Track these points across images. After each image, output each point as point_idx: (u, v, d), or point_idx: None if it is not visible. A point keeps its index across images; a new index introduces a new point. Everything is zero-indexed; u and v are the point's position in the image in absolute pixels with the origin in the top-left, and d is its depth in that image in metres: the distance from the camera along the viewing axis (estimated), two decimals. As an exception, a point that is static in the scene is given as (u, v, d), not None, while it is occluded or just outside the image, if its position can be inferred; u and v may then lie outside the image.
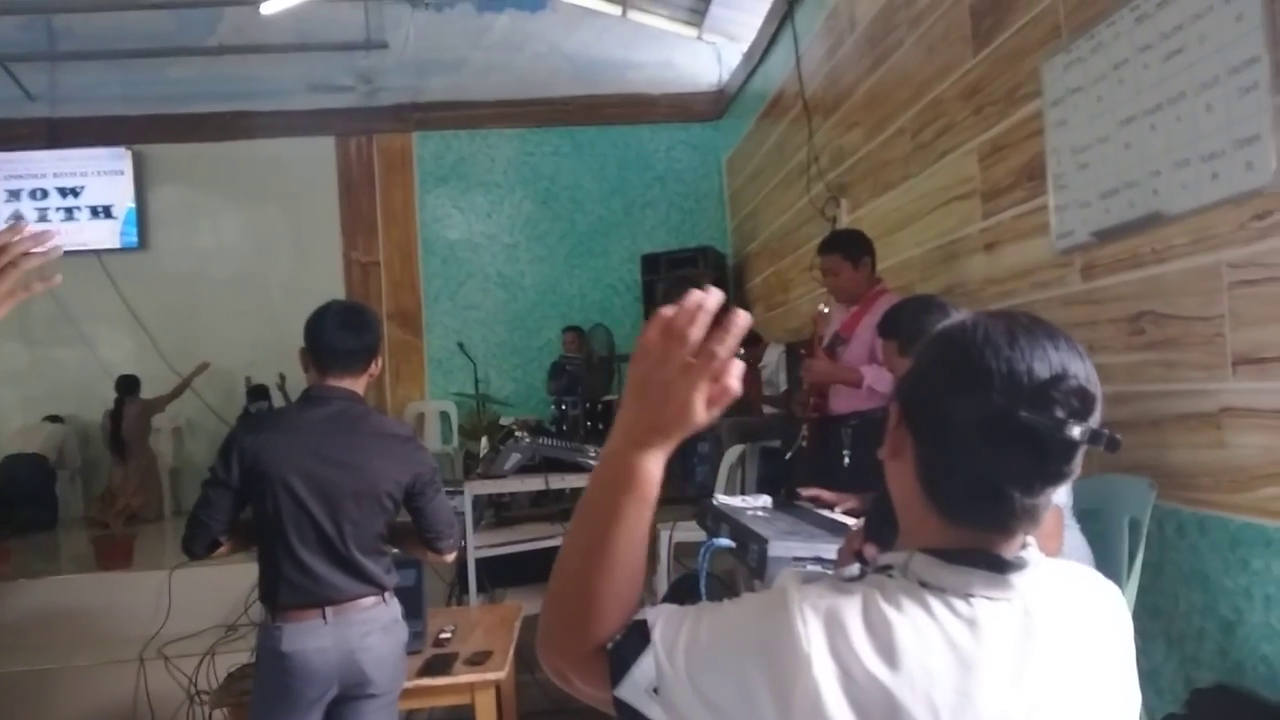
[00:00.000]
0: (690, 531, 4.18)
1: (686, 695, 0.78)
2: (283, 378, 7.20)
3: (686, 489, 5.39)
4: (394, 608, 2.17)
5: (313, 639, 2.03)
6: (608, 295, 7.78)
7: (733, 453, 4.30)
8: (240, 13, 7.10)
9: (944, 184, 3.51)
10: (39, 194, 7.40)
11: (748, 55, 6.82)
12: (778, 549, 1.70)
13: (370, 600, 2.11)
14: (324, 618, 2.05)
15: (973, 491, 0.77)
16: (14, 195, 7.35)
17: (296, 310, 7.91)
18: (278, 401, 7.25)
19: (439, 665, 2.42)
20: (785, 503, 2.34)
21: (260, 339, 7.46)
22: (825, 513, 2.21)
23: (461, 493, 5.20)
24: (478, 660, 2.46)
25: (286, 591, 2.05)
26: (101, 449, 7.00)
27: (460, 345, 7.41)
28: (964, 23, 3.30)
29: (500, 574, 3.48)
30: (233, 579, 4.30)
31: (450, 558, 2.27)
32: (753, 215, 6.97)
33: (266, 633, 2.07)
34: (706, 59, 7.74)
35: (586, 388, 5.46)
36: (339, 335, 2.19)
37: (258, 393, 7.15)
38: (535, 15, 7.75)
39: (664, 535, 4.05)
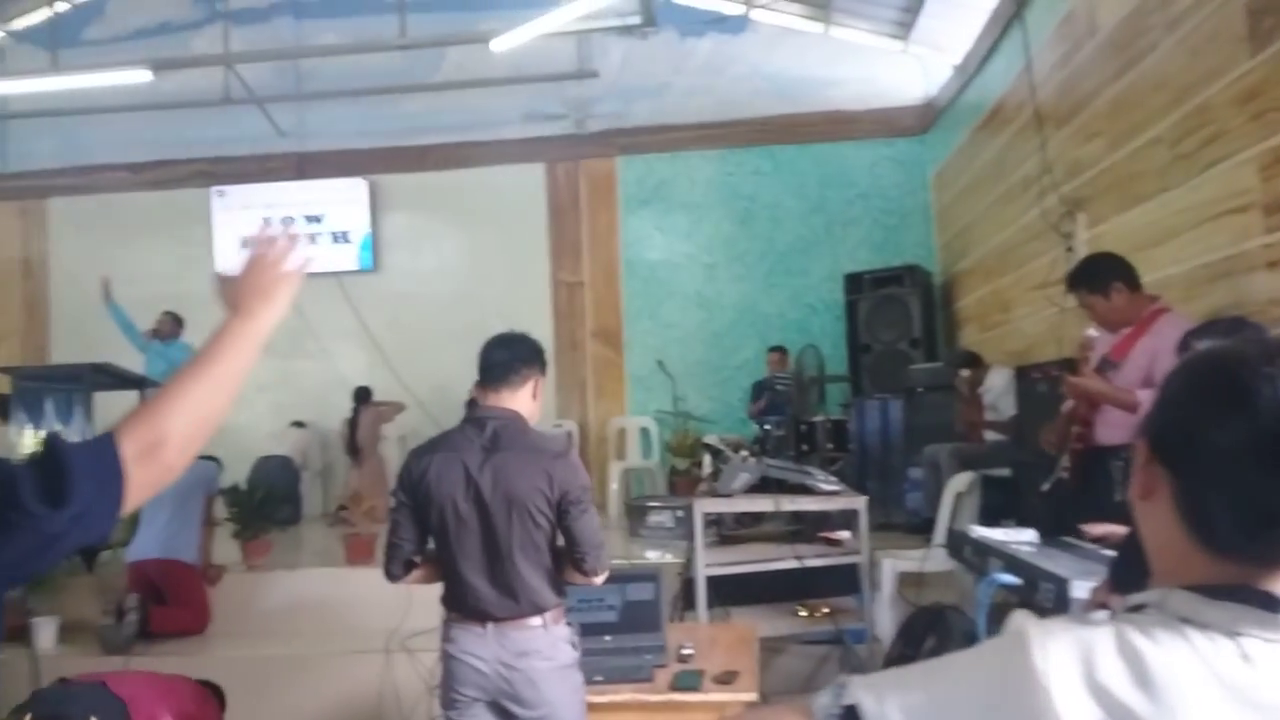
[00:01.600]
0: (911, 561, 4.07)
1: None
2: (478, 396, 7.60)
3: (895, 516, 5.23)
4: (559, 631, 2.20)
5: (473, 645, 2.15)
6: (807, 315, 7.70)
7: (960, 480, 4.12)
8: (463, 50, 7.61)
9: (1212, 196, 3.23)
10: (287, 221, 8.21)
11: (961, 67, 6.59)
12: (1080, 589, 1.61)
13: (533, 620, 2.16)
14: (485, 629, 2.15)
15: (1244, 523, 0.73)
16: (267, 222, 8.18)
17: (507, 328, 8.35)
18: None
19: (688, 681, 2.46)
20: (1055, 538, 2.22)
21: (475, 354, 7.92)
22: (1105, 551, 2.08)
23: (675, 509, 5.33)
24: (726, 680, 2.48)
25: (453, 601, 2.20)
26: (338, 453, 7.64)
27: (660, 363, 7.56)
28: (1238, 23, 3.04)
29: (722, 591, 3.50)
30: (464, 581, 4.58)
31: (599, 580, 2.24)
32: (965, 232, 6.70)
33: (447, 627, 2.23)
34: (911, 72, 7.54)
35: (795, 407, 5.42)
36: (493, 351, 2.34)
37: (474, 406, 7.57)
38: (737, 37, 7.83)
39: (885, 564, 3.95)
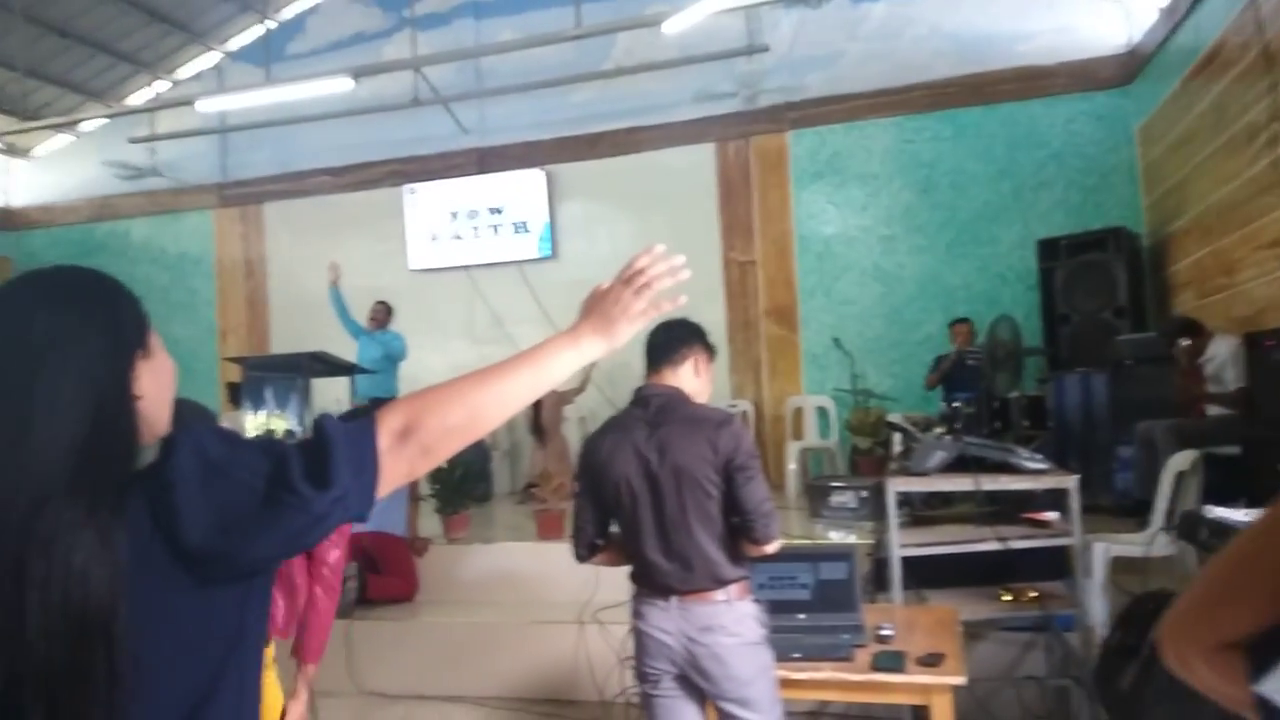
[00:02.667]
0: (1126, 545, 3.79)
1: None
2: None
3: (1100, 497, 4.88)
4: (744, 607, 2.20)
5: (659, 619, 2.18)
6: (996, 285, 7.30)
7: (1180, 459, 3.79)
8: (632, 36, 7.71)
9: None
10: (472, 214, 8.63)
11: (1169, 9, 6.00)
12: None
13: (717, 595, 2.17)
14: (669, 603, 2.18)
15: None
16: (454, 216, 8.65)
17: (680, 310, 8.42)
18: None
19: (890, 662, 2.41)
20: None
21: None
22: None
23: (859, 489, 5.21)
24: (931, 662, 2.41)
25: (638, 576, 2.25)
26: (524, 434, 7.99)
27: (836, 340, 7.40)
28: None
29: (916, 574, 3.39)
30: (651, 557, 4.69)
31: (770, 549, 2.21)
32: (1177, 189, 6.12)
33: (635, 601, 2.28)
34: (1112, 19, 6.95)
35: (988, 383, 5.14)
36: (654, 334, 2.36)
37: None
38: (914, -2, 7.49)
39: (1096, 547, 3.70)
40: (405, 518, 5.06)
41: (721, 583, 2.17)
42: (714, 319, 7.99)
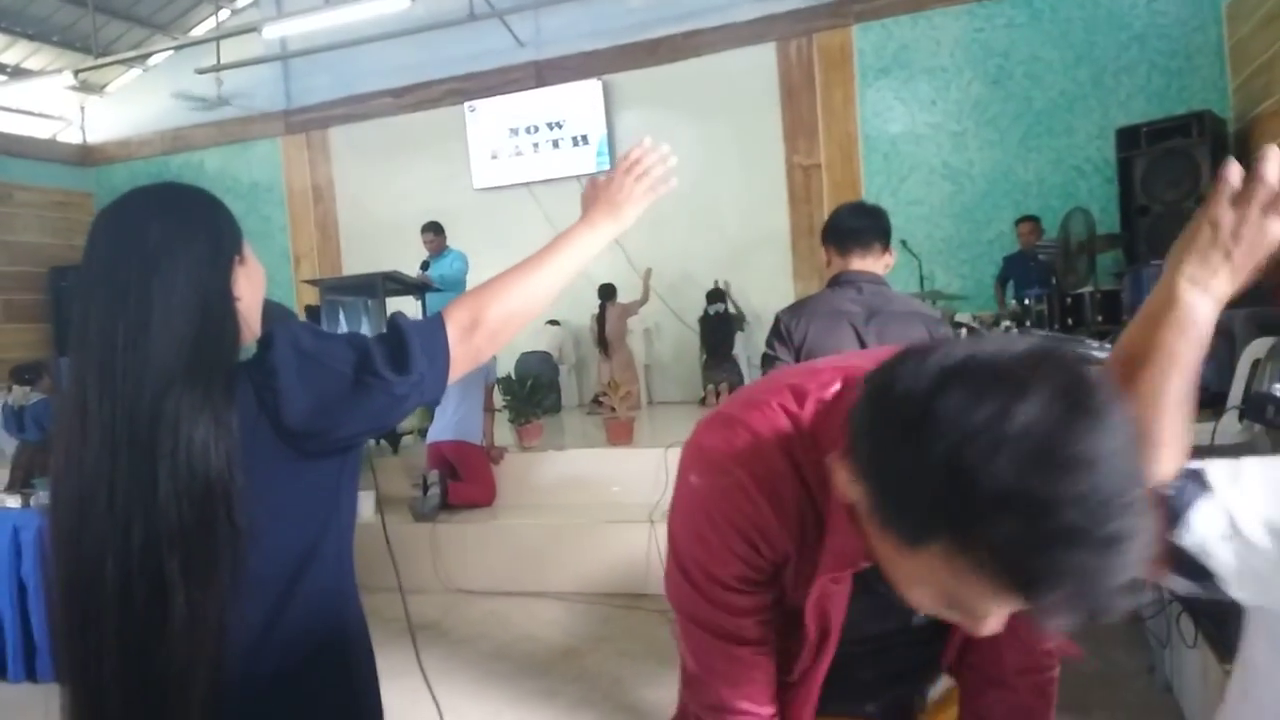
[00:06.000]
0: (1197, 434, 3.73)
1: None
2: (725, 285, 7.71)
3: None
4: None
5: None
6: (1071, 178, 7.04)
7: (1258, 346, 3.69)
8: (687, -66, 7.47)
9: None
10: (531, 129, 8.62)
11: None
12: None
13: None
14: None
15: None
16: (513, 132, 8.65)
17: (743, 217, 8.35)
18: (736, 305, 7.80)
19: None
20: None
21: (712, 246, 8.04)
22: None
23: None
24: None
25: None
26: (590, 347, 8.14)
27: (903, 243, 7.25)
28: None
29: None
30: (718, 459, 4.80)
31: None
32: (1267, 68, 5.76)
33: None
34: (1201, -118, 6.46)
35: (1060, 278, 5.02)
36: (850, 217, 2.39)
37: (715, 296, 7.74)
38: (986, -128, 7.06)
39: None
40: (482, 428, 5.26)
41: None
42: (777, 225, 7.92)
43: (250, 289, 1.13)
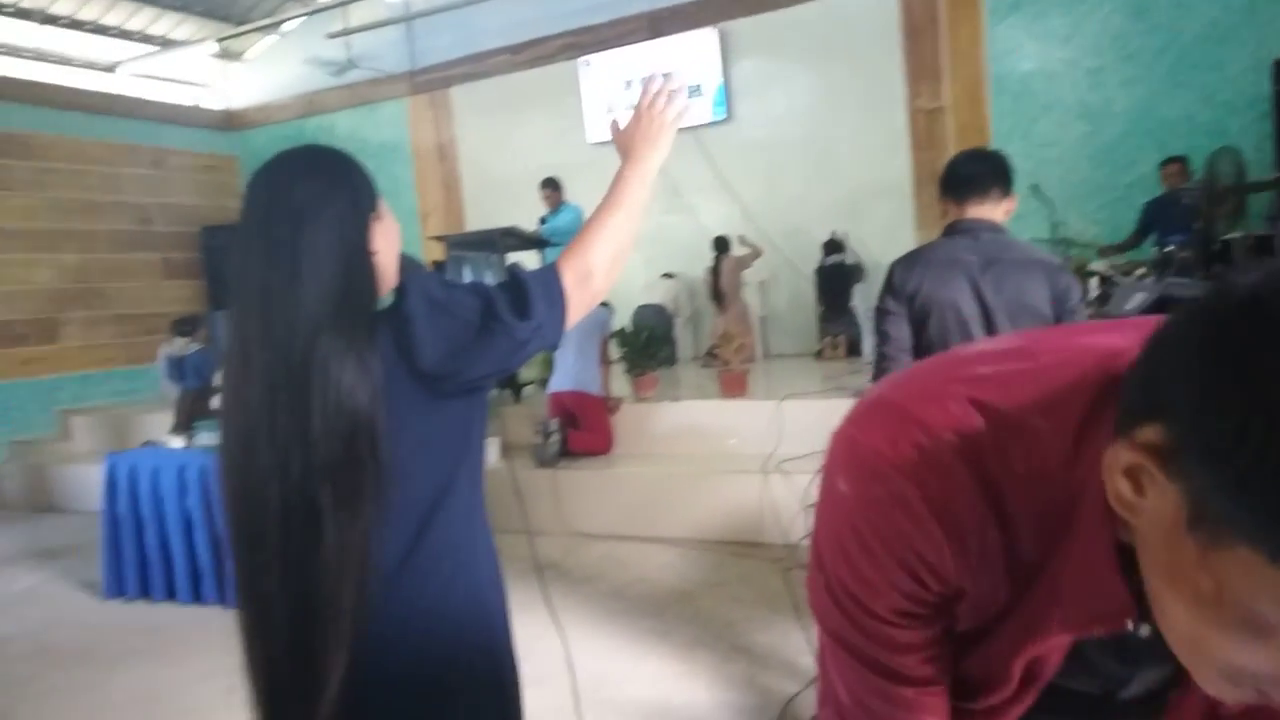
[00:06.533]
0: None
1: None
2: (842, 235, 7.56)
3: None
4: None
5: None
6: (1221, 116, 6.53)
7: None
8: None
9: None
10: (658, 77, 8.60)
11: None
12: None
13: None
14: None
15: None
16: (628, 84, 8.67)
17: (863, 165, 8.14)
18: (852, 256, 7.65)
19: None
20: None
21: (829, 195, 7.89)
22: None
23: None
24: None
25: None
26: (705, 300, 8.17)
27: (1034, 187, 6.93)
28: None
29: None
30: (834, 411, 4.77)
31: None
32: None
33: None
34: None
35: (1206, 222, 4.71)
36: (966, 164, 2.32)
37: (832, 246, 7.62)
38: None
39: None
40: (599, 379, 5.41)
41: None
42: (898, 173, 7.69)
43: (386, 243, 1.23)
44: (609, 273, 1.28)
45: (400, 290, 1.19)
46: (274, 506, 1.10)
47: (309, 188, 1.15)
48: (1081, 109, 7.02)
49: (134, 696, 3.38)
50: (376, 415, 1.11)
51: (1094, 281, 4.63)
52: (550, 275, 1.22)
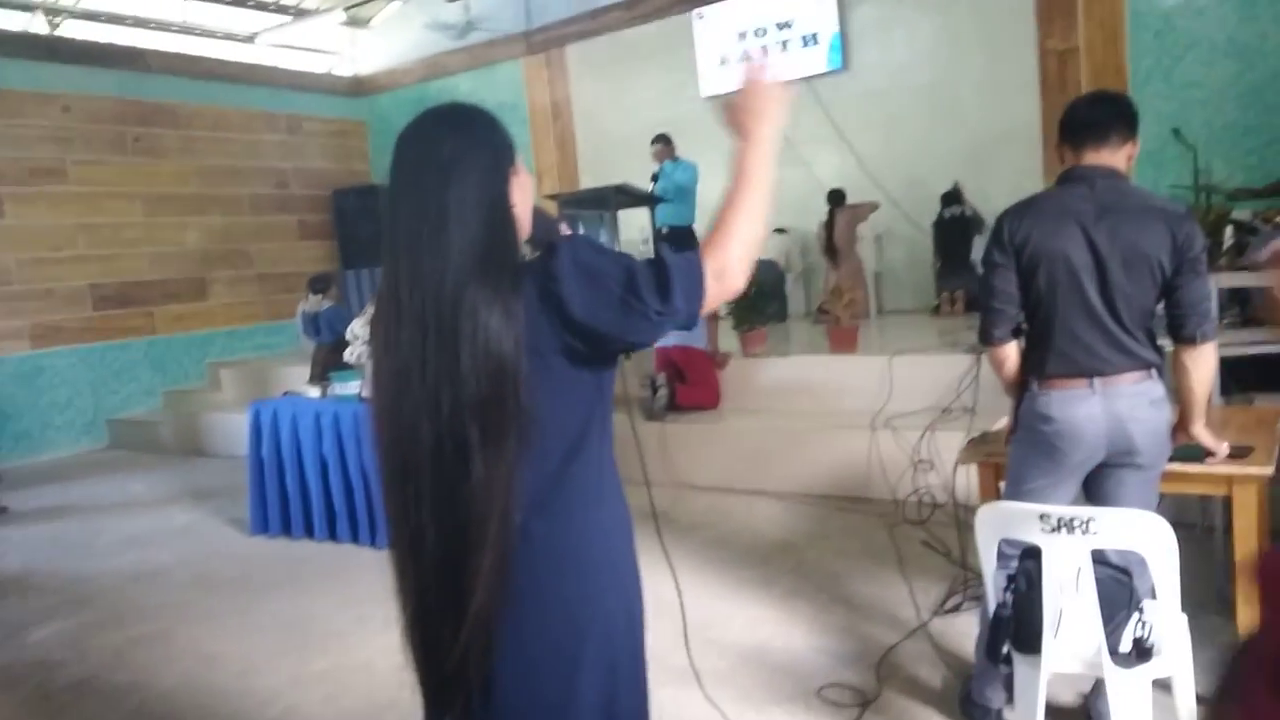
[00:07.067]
0: None
1: None
2: (961, 186, 7.27)
3: None
4: (1159, 385, 2.14)
5: (1082, 406, 2.12)
6: (1399, 46, 5.93)
7: None
8: None
9: None
10: (760, 32, 8.47)
11: None
12: None
13: (1137, 375, 2.12)
14: (1091, 387, 2.12)
15: None
16: (741, 36, 8.55)
17: (987, 112, 7.79)
18: (971, 207, 7.37)
19: (1189, 453, 2.33)
20: None
21: (952, 144, 7.60)
22: None
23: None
24: (1239, 453, 2.30)
25: (1054, 362, 2.15)
26: (817, 255, 8.05)
27: (1176, 132, 6.48)
28: None
29: (1247, 376, 3.12)
30: (946, 368, 4.69)
31: (1202, 351, 2.09)
32: None
33: (1033, 399, 2.21)
34: None
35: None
36: (1086, 109, 2.20)
37: (951, 198, 7.36)
38: None
39: None
40: (706, 334, 5.45)
41: (1149, 365, 2.14)
42: (1025, 119, 7.33)
43: (522, 196, 1.30)
44: (745, 267, 1.26)
45: (551, 248, 1.23)
46: (426, 441, 1.20)
47: (456, 144, 1.23)
48: (1231, 46, 6.49)
49: (278, 621, 3.71)
50: (519, 357, 1.18)
51: (1229, 230, 4.31)
52: (694, 265, 1.23)
